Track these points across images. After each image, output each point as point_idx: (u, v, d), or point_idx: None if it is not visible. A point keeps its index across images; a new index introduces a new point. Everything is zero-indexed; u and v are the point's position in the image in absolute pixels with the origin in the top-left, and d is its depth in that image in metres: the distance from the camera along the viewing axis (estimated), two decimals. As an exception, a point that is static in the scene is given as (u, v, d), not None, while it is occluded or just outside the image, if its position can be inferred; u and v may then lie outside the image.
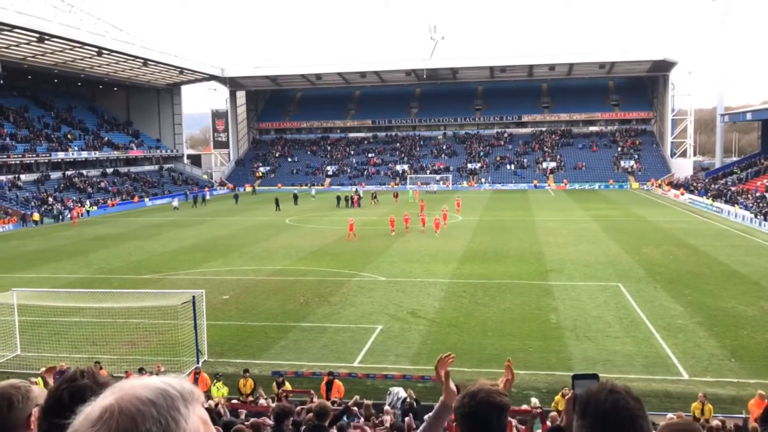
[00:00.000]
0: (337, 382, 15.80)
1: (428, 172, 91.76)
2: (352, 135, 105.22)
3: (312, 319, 23.46)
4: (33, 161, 69.83)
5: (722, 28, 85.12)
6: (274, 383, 16.29)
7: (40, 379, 15.77)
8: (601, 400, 1.98)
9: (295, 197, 68.47)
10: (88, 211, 62.69)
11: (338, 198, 65.96)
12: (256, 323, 23.22)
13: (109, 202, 68.06)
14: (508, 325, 22.40)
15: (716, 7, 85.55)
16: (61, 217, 59.22)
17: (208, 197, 77.16)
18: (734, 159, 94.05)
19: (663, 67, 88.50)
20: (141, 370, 16.64)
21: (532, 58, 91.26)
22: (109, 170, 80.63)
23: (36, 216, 56.66)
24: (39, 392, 2.51)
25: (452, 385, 3.12)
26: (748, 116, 78.66)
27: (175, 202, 69.16)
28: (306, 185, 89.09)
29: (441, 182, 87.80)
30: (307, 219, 54.62)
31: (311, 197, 71.22)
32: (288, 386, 16.21)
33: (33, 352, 19.96)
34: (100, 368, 16.36)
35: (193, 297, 19.94)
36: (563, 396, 14.85)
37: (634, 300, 25.22)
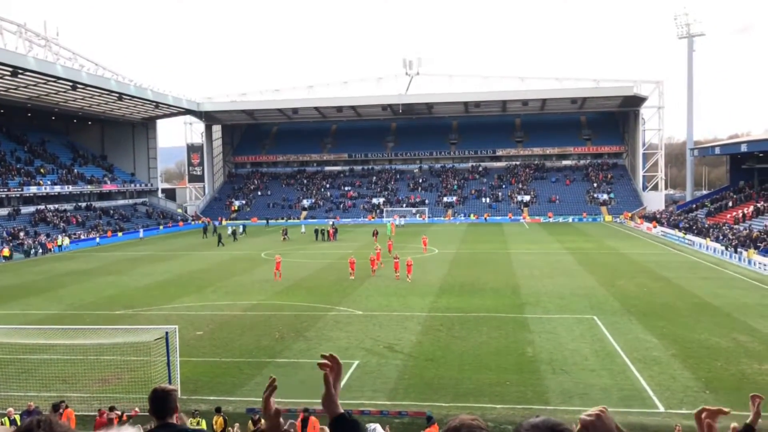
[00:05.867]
0: (313, 418, 15.56)
1: (404, 205, 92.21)
2: (328, 168, 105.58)
3: (287, 355, 23.19)
4: (4, 195, 68.84)
5: (689, 64, 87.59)
6: (250, 421, 16.02)
7: (6, 419, 15.38)
8: None
9: (234, 234, 67.63)
10: (60, 246, 61.63)
11: (316, 231, 66.02)
12: (231, 359, 22.87)
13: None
14: (485, 358, 22.35)
15: (683, 44, 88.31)
16: (33, 252, 58.19)
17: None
18: (704, 192, 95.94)
19: (633, 102, 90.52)
20: (112, 409, 16.28)
21: (505, 93, 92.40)
22: (82, 204, 79.68)
23: (6, 251, 55.58)
24: None
25: None
26: (717, 150, 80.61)
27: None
28: (283, 218, 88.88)
29: (418, 215, 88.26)
30: (283, 253, 54.28)
31: (240, 234, 70.28)
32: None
33: (0, 392, 19.41)
34: (66, 407, 15.96)
35: (166, 333, 19.66)
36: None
37: (609, 332, 25.34)
